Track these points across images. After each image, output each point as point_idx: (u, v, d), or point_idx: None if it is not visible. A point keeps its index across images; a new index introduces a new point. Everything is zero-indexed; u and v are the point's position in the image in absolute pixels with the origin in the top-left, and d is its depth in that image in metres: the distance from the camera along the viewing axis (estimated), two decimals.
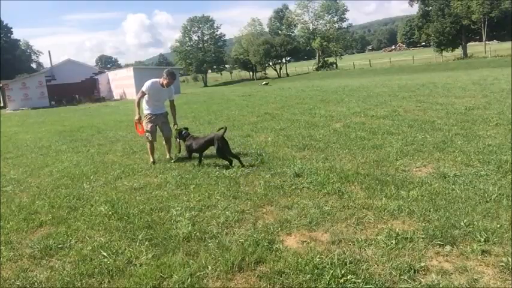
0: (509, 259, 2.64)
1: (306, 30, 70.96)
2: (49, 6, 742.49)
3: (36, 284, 2.88)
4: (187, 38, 75.14)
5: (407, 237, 3.05)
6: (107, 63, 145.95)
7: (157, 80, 6.37)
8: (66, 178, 5.84)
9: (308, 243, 3.14)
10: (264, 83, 45.68)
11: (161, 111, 6.52)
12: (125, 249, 3.27)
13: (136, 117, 6.43)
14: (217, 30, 75.05)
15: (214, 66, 76.53)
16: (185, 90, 43.03)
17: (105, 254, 3.18)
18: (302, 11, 70.31)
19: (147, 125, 6.38)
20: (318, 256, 2.88)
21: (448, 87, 13.68)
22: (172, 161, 6.26)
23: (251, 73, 73.58)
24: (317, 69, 64.91)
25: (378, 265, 2.74)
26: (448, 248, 2.88)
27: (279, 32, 76.03)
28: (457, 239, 2.99)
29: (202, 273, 2.80)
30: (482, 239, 2.92)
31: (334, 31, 67.11)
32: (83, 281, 2.84)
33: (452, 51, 54.14)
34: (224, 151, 5.69)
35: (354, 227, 3.38)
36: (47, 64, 52.02)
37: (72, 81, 41.12)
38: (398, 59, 62.61)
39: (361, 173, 4.77)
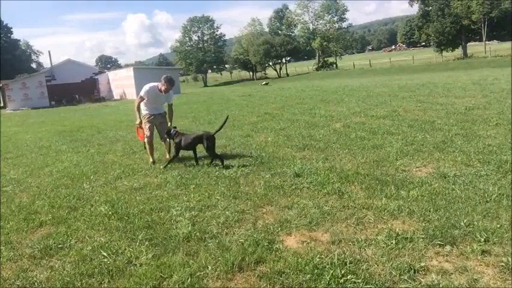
0: (509, 259, 2.64)
1: (306, 30, 70.94)
2: (49, 6, 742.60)
3: (36, 284, 2.89)
4: (187, 38, 75.13)
5: (407, 237, 3.06)
6: (107, 63, 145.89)
7: (156, 84, 6.30)
8: (66, 178, 5.84)
9: (308, 243, 3.14)
10: (264, 83, 45.68)
11: (159, 112, 6.52)
12: (125, 249, 3.27)
13: (138, 121, 6.46)
14: (217, 30, 75.08)
15: (214, 66, 76.51)
16: (185, 90, 43.03)
17: (105, 254, 3.18)
18: (302, 11, 70.34)
19: (145, 125, 6.40)
20: (318, 256, 2.88)
21: (448, 87, 13.68)
22: (161, 166, 6.20)
23: (251, 73, 73.56)
24: (317, 69, 64.90)
25: (377, 265, 2.74)
26: (448, 248, 2.88)
27: (279, 32, 76.01)
28: (457, 239, 2.99)
29: (202, 273, 2.80)
30: (482, 239, 2.93)
31: (334, 31, 67.08)
32: (83, 281, 2.85)
33: (452, 51, 54.14)
34: (212, 148, 5.74)
35: (354, 227, 3.38)
36: (47, 64, 52.08)
37: (72, 81, 41.12)
38: (398, 59, 62.59)
39: (361, 173, 4.77)
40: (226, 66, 79.88)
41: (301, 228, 3.43)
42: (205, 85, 70.00)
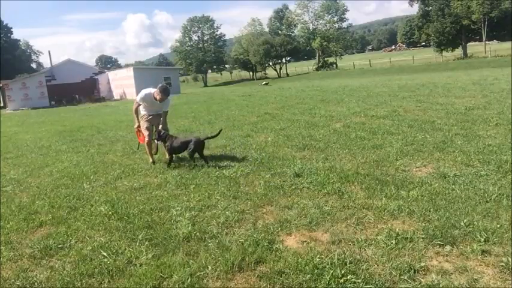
0: (509, 259, 2.64)
1: (306, 30, 70.97)
2: (49, 6, 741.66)
3: (36, 284, 2.88)
4: (187, 38, 75.19)
5: (407, 237, 3.06)
6: (107, 63, 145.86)
7: (152, 91, 6.25)
8: (66, 178, 5.84)
9: (308, 243, 3.14)
10: (264, 83, 45.70)
11: (158, 112, 6.51)
12: (125, 249, 3.27)
13: (136, 125, 6.57)
14: (217, 30, 75.15)
15: (214, 66, 76.54)
16: (185, 90, 43.05)
17: (105, 254, 3.18)
18: (302, 11, 70.39)
19: (143, 125, 6.44)
20: (318, 256, 2.88)
21: (448, 87, 13.68)
22: (151, 161, 6.27)
23: (251, 73, 73.59)
24: (317, 69, 64.93)
25: (378, 265, 2.74)
26: (448, 248, 2.88)
27: (279, 32, 76.05)
28: (457, 239, 2.99)
29: (202, 273, 2.80)
30: (482, 239, 2.93)
31: (334, 31, 67.12)
32: (83, 281, 2.84)
33: (452, 51, 54.16)
34: (195, 153, 5.81)
35: (354, 227, 3.38)
36: (47, 64, 52.11)
37: (72, 81, 41.15)
38: (398, 59, 62.63)
39: (361, 173, 4.77)
40: (226, 66, 79.90)
41: (301, 228, 3.43)
42: (205, 85, 70.04)
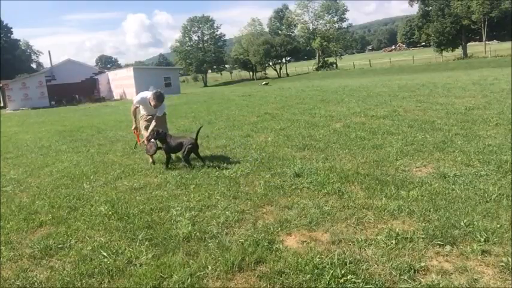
0: (509, 259, 2.65)
1: (306, 30, 70.97)
2: (49, 6, 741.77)
3: (36, 284, 2.88)
4: (187, 38, 75.21)
5: (407, 237, 3.06)
6: (107, 63, 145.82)
7: (148, 96, 6.24)
8: (66, 178, 5.84)
9: (308, 243, 3.14)
10: (264, 83, 45.71)
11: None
12: (125, 249, 3.27)
13: (133, 127, 6.63)
14: (217, 30, 75.18)
15: (214, 66, 76.55)
16: (185, 90, 43.07)
17: (105, 254, 3.18)
18: (302, 11, 70.40)
19: (142, 125, 6.47)
20: (318, 256, 2.88)
21: (448, 87, 13.68)
22: (151, 161, 6.26)
23: (251, 73, 73.59)
24: (317, 69, 64.94)
25: (378, 265, 2.74)
26: (448, 248, 2.88)
27: (279, 32, 76.05)
28: (457, 239, 2.99)
29: (202, 273, 2.80)
30: (482, 239, 2.93)
31: (334, 31, 67.12)
32: (83, 281, 2.84)
33: (452, 51, 54.16)
34: (190, 155, 5.77)
35: (354, 227, 3.38)
36: (47, 64, 52.13)
37: (72, 81, 41.16)
38: (398, 59, 62.63)
39: (361, 173, 4.77)
40: (226, 66, 79.91)
41: (301, 228, 3.43)
42: (205, 85, 70.05)
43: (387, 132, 6.99)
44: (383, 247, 2.96)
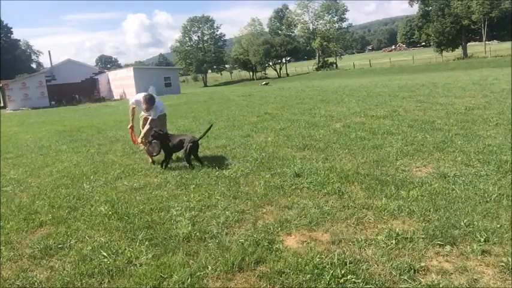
0: (509, 259, 2.64)
1: (306, 30, 70.97)
2: (49, 6, 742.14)
3: (36, 284, 2.89)
4: (187, 38, 75.21)
5: (407, 237, 3.06)
6: (107, 63, 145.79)
7: (141, 98, 6.24)
8: (66, 178, 5.84)
9: (308, 243, 3.14)
10: (264, 83, 45.72)
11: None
12: (125, 249, 3.27)
13: (129, 125, 6.61)
14: (217, 30, 75.18)
15: (214, 66, 76.55)
16: (185, 90, 43.08)
17: (105, 254, 3.18)
18: (302, 11, 70.40)
19: (142, 124, 6.47)
20: (318, 256, 2.88)
21: (448, 87, 13.68)
22: (150, 161, 6.27)
23: (251, 73, 73.59)
24: (317, 69, 64.93)
25: (378, 265, 2.74)
26: (448, 248, 2.88)
27: (279, 32, 76.03)
28: (457, 239, 2.99)
29: (202, 273, 2.80)
30: (482, 239, 2.93)
31: (334, 31, 67.11)
32: (83, 281, 2.85)
33: (452, 51, 54.17)
34: (191, 154, 5.75)
35: (354, 227, 3.38)
36: (47, 64, 52.15)
37: (72, 81, 41.19)
38: (398, 59, 62.63)
39: (361, 173, 4.77)
40: (226, 66, 79.90)
41: (301, 228, 3.43)
42: (205, 85, 70.05)
43: (387, 132, 6.99)
44: (383, 247, 2.97)
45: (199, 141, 6.01)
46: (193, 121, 11.25)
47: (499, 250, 2.80)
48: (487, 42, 52.88)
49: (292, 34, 75.10)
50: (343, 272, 2.64)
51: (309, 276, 2.65)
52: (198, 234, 3.43)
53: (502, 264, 2.63)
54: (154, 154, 6.20)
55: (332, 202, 3.94)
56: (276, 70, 68.60)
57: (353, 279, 2.56)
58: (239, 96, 19.67)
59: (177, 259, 3.01)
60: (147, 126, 6.13)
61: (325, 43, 66.58)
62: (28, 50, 79.26)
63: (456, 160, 5.01)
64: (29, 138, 11.08)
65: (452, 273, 2.59)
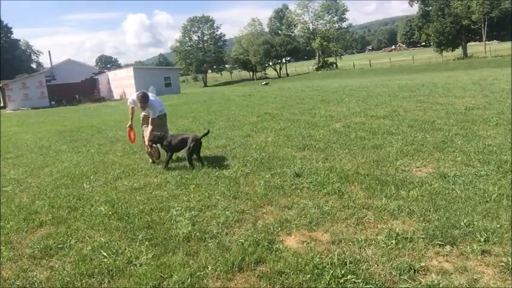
0: (509, 259, 2.64)
1: (306, 30, 70.96)
2: (49, 6, 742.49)
3: (36, 284, 2.89)
4: (187, 38, 75.20)
5: (407, 237, 3.06)
6: (107, 63, 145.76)
7: (135, 95, 6.23)
8: (66, 178, 5.84)
9: (308, 243, 3.14)
10: (264, 83, 45.71)
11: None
12: (125, 249, 3.27)
13: (128, 124, 6.64)
14: (217, 30, 75.16)
15: (214, 66, 76.54)
16: (185, 90, 43.09)
17: (105, 254, 3.18)
18: (302, 11, 70.39)
19: (142, 124, 6.50)
20: (318, 256, 2.88)
21: (448, 87, 13.68)
22: (150, 161, 6.29)
23: (251, 73, 73.59)
24: (317, 69, 64.93)
25: (378, 265, 2.74)
26: (448, 248, 2.88)
27: (279, 32, 76.02)
28: (457, 239, 2.99)
29: (202, 273, 2.80)
30: (482, 239, 2.93)
31: (334, 31, 67.11)
32: (83, 281, 2.84)
33: (452, 51, 54.17)
34: (194, 153, 5.74)
35: (354, 227, 3.38)
36: (47, 64, 52.19)
37: (72, 81, 41.21)
38: (398, 59, 62.62)
39: (361, 173, 4.77)
40: (226, 66, 79.90)
41: (301, 228, 3.43)
42: (205, 85, 70.05)
43: (387, 132, 6.99)
44: (383, 247, 2.97)
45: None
46: (193, 121, 11.25)
47: (499, 250, 2.80)
48: (487, 42, 52.88)
49: (292, 34, 75.09)
50: (343, 272, 2.64)
51: (309, 276, 2.65)
52: (198, 234, 3.43)
53: (502, 264, 2.63)
54: (154, 159, 6.27)
55: (332, 202, 3.94)
56: (276, 70, 68.60)
57: (353, 279, 2.56)
58: (239, 96, 19.67)
59: (177, 259, 3.01)
60: (150, 127, 6.12)
61: (325, 43, 66.58)
62: (28, 50, 79.26)
63: (456, 160, 5.01)
64: (29, 138, 11.08)
65: (452, 273, 2.59)
